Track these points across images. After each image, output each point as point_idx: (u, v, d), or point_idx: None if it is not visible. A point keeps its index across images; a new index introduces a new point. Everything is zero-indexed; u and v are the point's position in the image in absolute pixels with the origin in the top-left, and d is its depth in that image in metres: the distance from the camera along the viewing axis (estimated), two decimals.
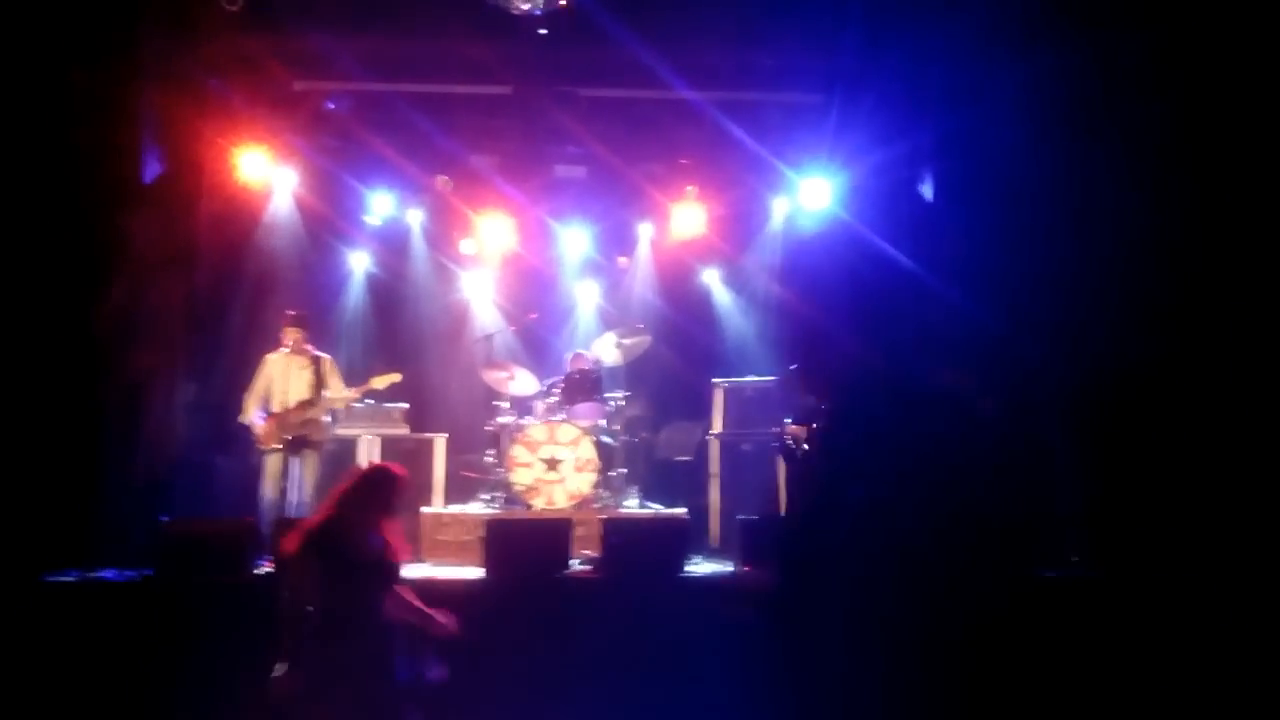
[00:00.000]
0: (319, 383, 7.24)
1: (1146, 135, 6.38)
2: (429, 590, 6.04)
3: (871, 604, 5.66)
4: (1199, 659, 5.47)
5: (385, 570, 4.12)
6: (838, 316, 8.31)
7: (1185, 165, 6.26)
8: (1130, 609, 5.78)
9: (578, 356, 8.32)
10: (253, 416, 7.19)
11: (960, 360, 7.86)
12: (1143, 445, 6.41)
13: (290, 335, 7.28)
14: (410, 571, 6.57)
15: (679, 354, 9.31)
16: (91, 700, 5.27)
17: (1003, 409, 7.52)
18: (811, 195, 8.71)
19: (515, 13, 6.42)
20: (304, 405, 7.19)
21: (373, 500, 4.16)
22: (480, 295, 9.63)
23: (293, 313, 7.45)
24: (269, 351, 7.40)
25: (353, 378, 7.55)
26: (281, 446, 7.10)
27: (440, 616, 4.29)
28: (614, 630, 5.56)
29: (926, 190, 8.46)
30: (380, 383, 7.36)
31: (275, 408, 7.22)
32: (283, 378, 7.25)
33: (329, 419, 7.45)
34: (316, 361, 7.32)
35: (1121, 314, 6.53)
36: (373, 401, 7.86)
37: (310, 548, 3.98)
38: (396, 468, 4.37)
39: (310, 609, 3.87)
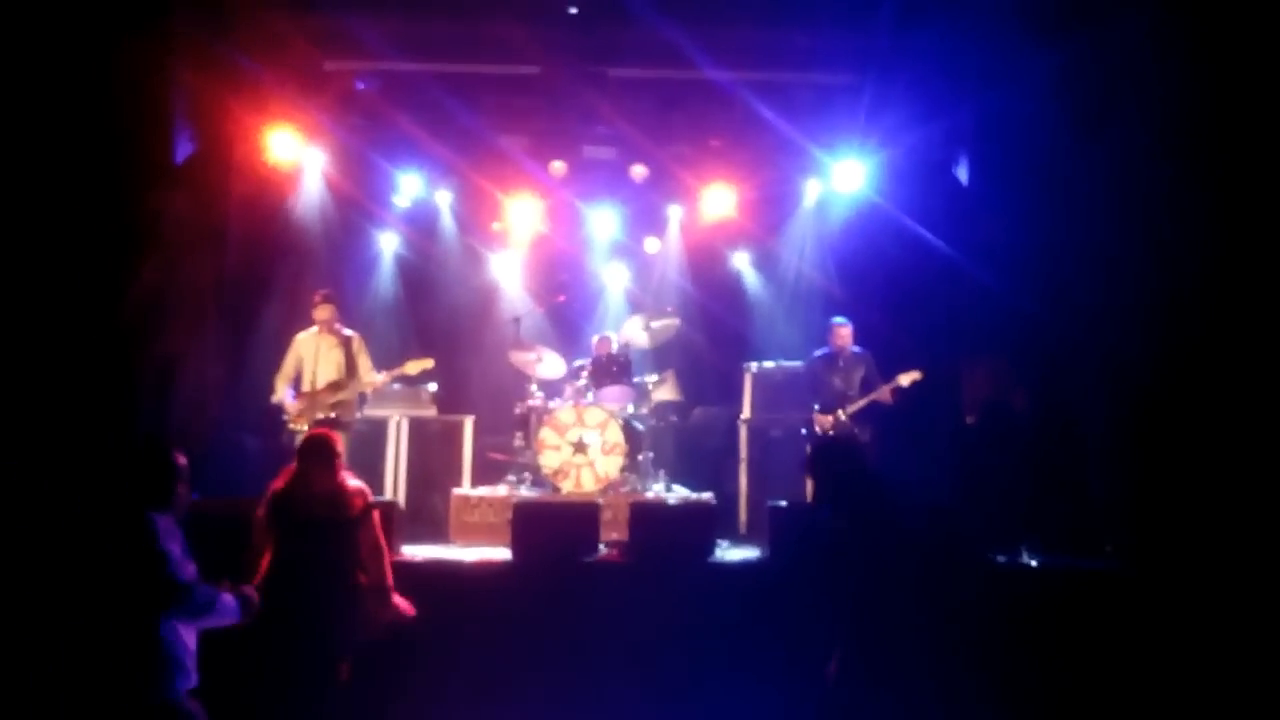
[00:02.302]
0: (349, 362, 7.25)
1: (1188, 116, 6.22)
2: (456, 574, 6.10)
3: (899, 592, 5.61)
4: (1231, 654, 5.38)
5: (339, 525, 4.52)
6: (872, 300, 8.23)
7: (1228, 147, 6.10)
8: (1163, 601, 5.69)
9: (604, 339, 8.28)
10: (284, 396, 7.21)
11: (994, 346, 7.77)
12: (1181, 434, 6.28)
13: (320, 313, 7.28)
14: (437, 553, 6.65)
15: (708, 338, 9.25)
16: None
17: (1036, 398, 7.43)
18: (844, 178, 8.61)
19: None
20: (334, 386, 7.21)
21: (315, 462, 4.60)
22: (508, 277, 9.60)
23: (323, 291, 7.45)
24: (298, 331, 7.41)
25: (381, 358, 7.55)
26: (312, 426, 7.11)
27: (398, 602, 4.72)
28: (640, 615, 5.54)
29: (962, 173, 8.34)
30: (413, 368, 7.37)
31: (305, 387, 7.23)
32: (312, 357, 7.26)
33: (359, 400, 7.46)
34: (346, 341, 7.32)
35: (1160, 300, 6.39)
36: (404, 385, 7.87)
37: (269, 510, 4.50)
38: (326, 431, 4.92)
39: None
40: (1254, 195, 6.01)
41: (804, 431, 7.67)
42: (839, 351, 7.55)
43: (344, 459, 4.77)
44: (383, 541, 4.73)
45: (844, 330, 7.55)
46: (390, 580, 4.73)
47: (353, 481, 4.71)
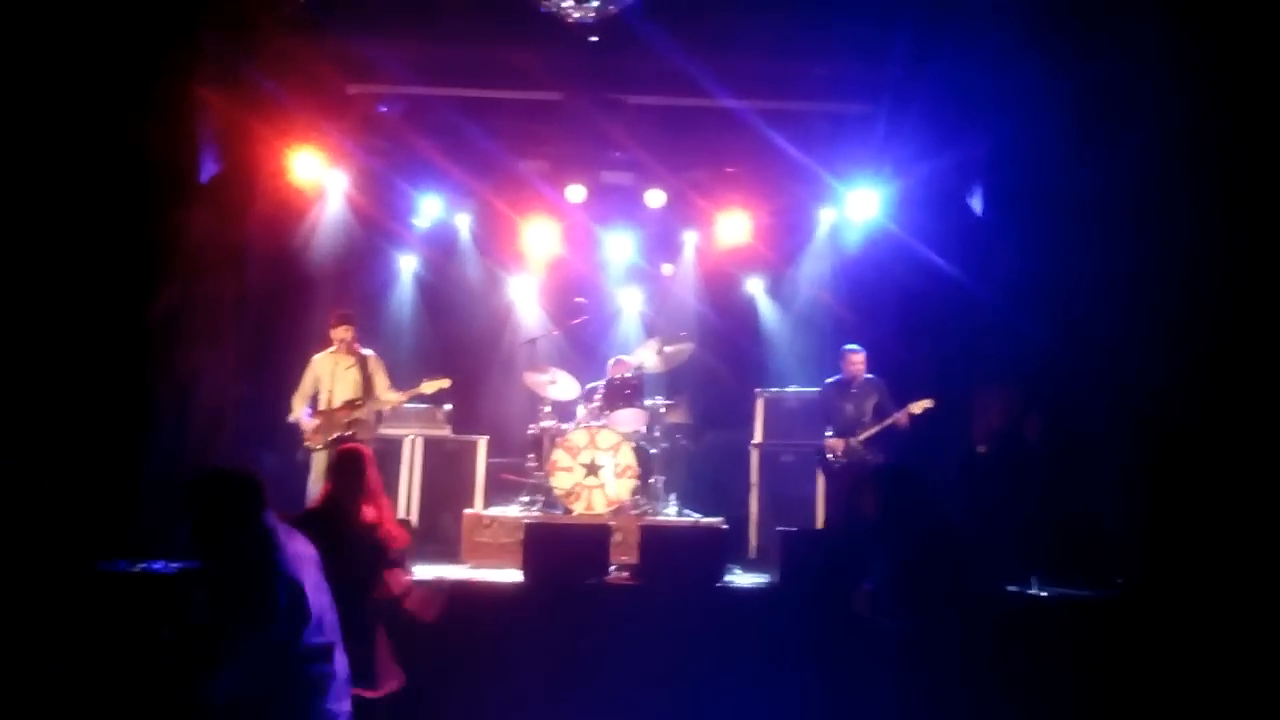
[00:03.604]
0: (366, 381, 7.32)
1: (1203, 143, 6.25)
2: (468, 593, 6.14)
3: (910, 617, 5.62)
4: (1241, 686, 5.36)
5: (374, 550, 4.43)
6: (885, 328, 8.26)
7: (1245, 175, 6.11)
8: (1173, 634, 5.66)
9: (619, 362, 8.34)
10: (301, 415, 7.29)
11: (1007, 375, 7.78)
12: (1194, 465, 6.27)
13: (339, 333, 7.36)
14: (450, 573, 6.69)
15: (722, 362, 9.29)
16: (137, 687, 5.36)
17: (1049, 427, 7.42)
18: (859, 206, 8.67)
19: (569, 21, 6.44)
20: (351, 404, 7.28)
21: (349, 481, 4.51)
22: (525, 299, 9.69)
23: (342, 311, 7.54)
24: (317, 351, 7.49)
25: (398, 378, 7.63)
26: (328, 445, 7.18)
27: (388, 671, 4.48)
28: (650, 638, 5.56)
29: (976, 202, 8.38)
30: (430, 388, 7.43)
31: (322, 406, 7.31)
32: (330, 377, 7.34)
33: (375, 419, 7.53)
34: (363, 360, 7.40)
35: (1175, 329, 6.39)
36: (420, 403, 7.94)
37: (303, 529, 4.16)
38: (359, 446, 4.78)
39: None
40: (1273, 223, 6.02)
41: (817, 457, 7.69)
42: (851, 378, 7.58)
43: (377, 478, 4.66)
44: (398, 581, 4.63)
45: (856, 357, 7.58)
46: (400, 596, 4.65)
47: (387, 501, 4.67)
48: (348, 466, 4.59)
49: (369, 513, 4.52)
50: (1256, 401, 6.04)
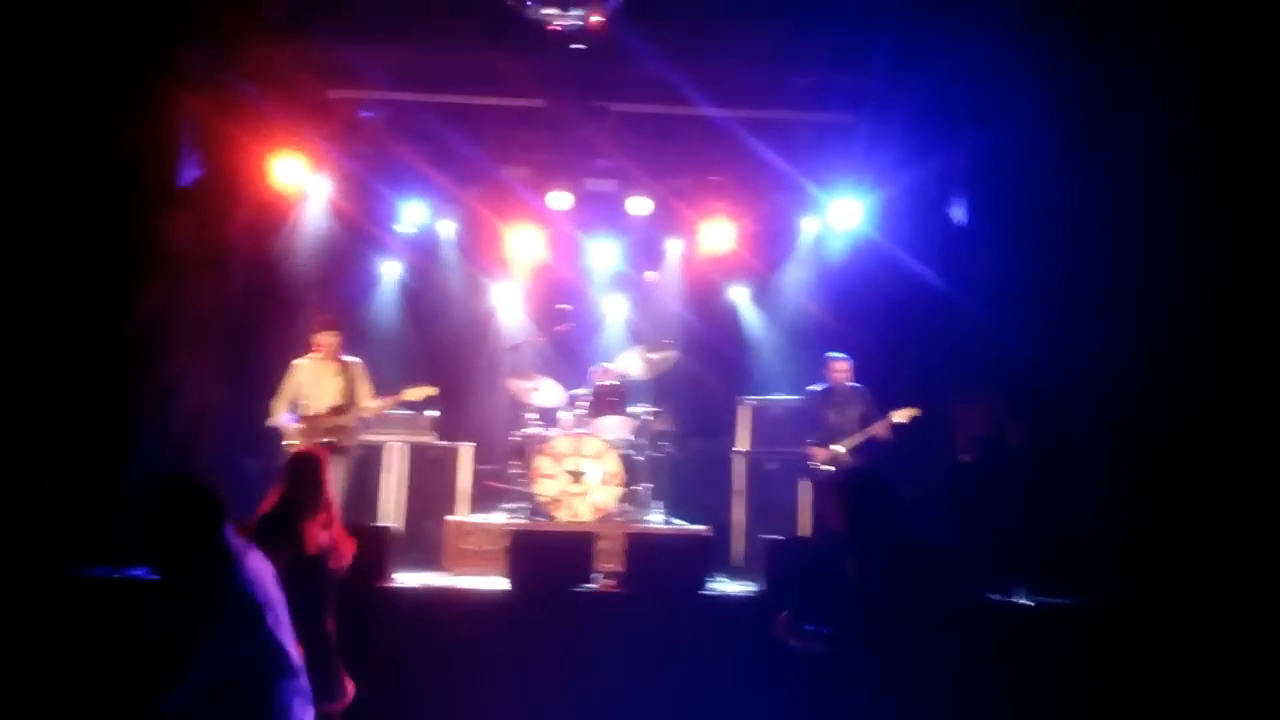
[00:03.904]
0: (349, 388, 7.28)
1: (1183, 154, 6.31)
2: (452, 601, 6.11)
3: (893, 627, 5.63)
4: (1223, 694, 5.40)
5: (328, 560, 4.32)
6: (868, 337, 8.30)
7: (1227, 181, 6.18)
8: (1155, 642, 5.71)
9: (603, 370, 8.33)
10: (281, 419, 7.24)
11: (990, 384, 7.83)
12: (1176, 474, 6.32)
13: (323, 339, 7.31)
14: (432, 580, 6.66)
15: (706, 370, 9.31)
16: (116, 694, 5.31)
17: (1032, 436, 7.47)
18: (842, 215, 8.71)
19: (552, 28, 6.45)
20: (335, 410, 7.23)
21: (303, 487, 4.37)
22: (509, 306, 9.67)
23: (327, 317, 7.50)
24: (300, 355, 7.45)
25: (381, 384, 7.59)
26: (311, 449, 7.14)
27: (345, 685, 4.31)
28: (636, 646, 5.56)
29: (957, 211, 8.44)
30: (414, 394, 7.38)
31: (304, 412, 7.26)
32: (311, 383, 7.29)
33: (358, 425, 7.49)
34: (346, 367, 7.36)
35: (1158, 337, 6.45)
36: (401, 408, 7.90)
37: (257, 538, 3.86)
38: (314, 450, 4.68)
39: None
40: (1254, 230, 6.08)
41: (803, 466, 7.72)
42: (836, 386, 7.59)
43: (331, 485, 4.54)
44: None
45: (841, 365, 7.59)
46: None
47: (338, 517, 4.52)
48: (302, 472, 4.46)
49: (321, 520, 4.38)
50: (1239, 410, 6.10)
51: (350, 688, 4.30)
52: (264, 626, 3.10)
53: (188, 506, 3.14)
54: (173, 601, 3.10)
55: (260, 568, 3.23)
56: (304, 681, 3.25)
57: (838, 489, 4.23)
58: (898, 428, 7.33)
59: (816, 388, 7.72)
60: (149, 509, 3.15)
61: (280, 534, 4.17)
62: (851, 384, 7.60)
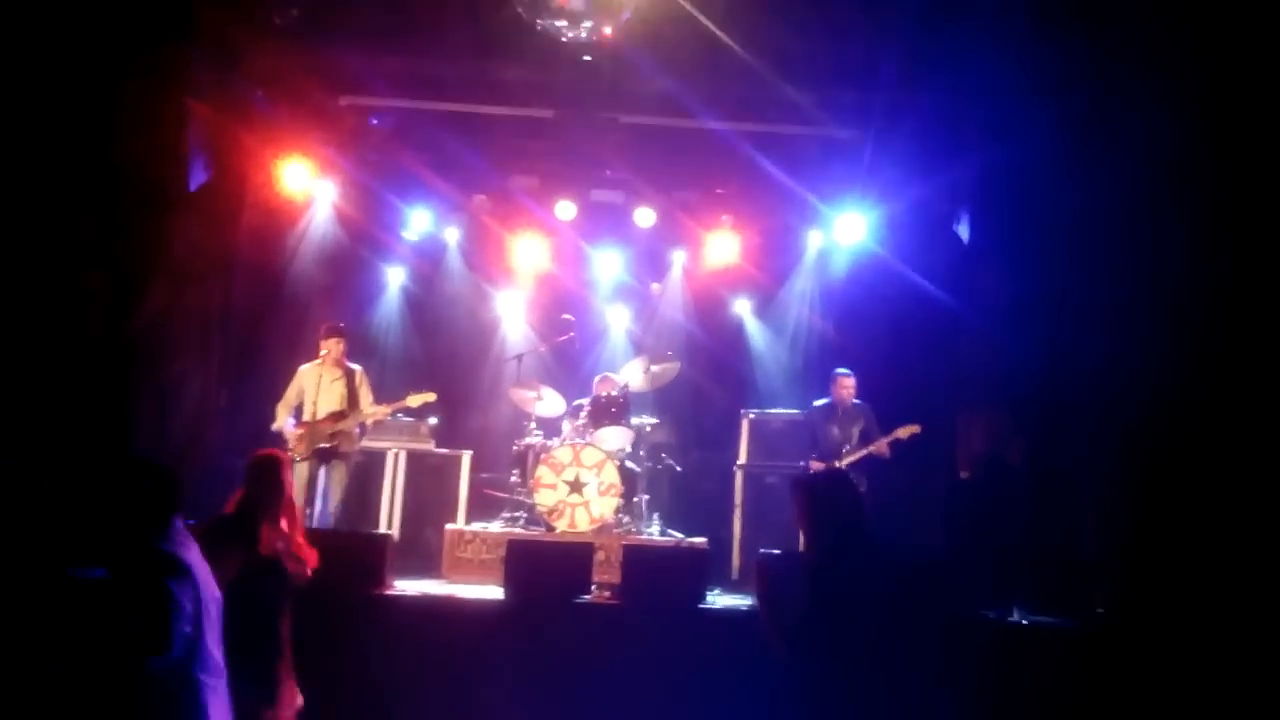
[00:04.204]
0: (351, 395, 7.31)
1: (1189, 170, 6.31)
2: (449, 610, 6.11)
3: (892, 642, 5.61)
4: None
5: (282, 564, 4.21)
6: (871, 352, 8.30)
7: (1230, 201, 6.17)
8: (1152, 664, 5.68)
9: (604, 380, 8.33)
10: (284, 425, 7.25)
11: (992, 400, 7.82)
12: (1178, 494, 6.29)
13: (329, 345, 7.33)
14: (429, 588, 6.65)
15: (708, 383, 9.30)
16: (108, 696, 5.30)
17: (1033, 453, 7.45)
18: (847, 230, 8.72)
19: (563, 39, 6.47)
20: (335, 416, 7.25)
21: (263, 489, 4.29)
22: (512, 315, 9.69)
23: (332, 324, 7.52)
24: (302, 361, 7.47)
25: (383, 391, 7.60)
26: (311, 456, 7.15)
27: (293, 693, 4.18)
28: (631, 658, 5.54)
29: (963, 227, 8.45)
30: (415, 401, 7.41)
31: (306, 417, 7.27)
32: (315, 388, 7.31)
33: (358, 431, 7.51)
34: (350, 374, 7.38)
35: (1160, 353, 6.43)
36: (404, 416, 7.92)
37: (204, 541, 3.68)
38: (275, 452, 4.55)
39: None
40: (1260, 247, 6.06)
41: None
42: (840, 402, 7.59)
43: (291, 487, 4.47)
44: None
45: (847, 381, 7.59)
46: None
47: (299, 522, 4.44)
48: (263, 474, 4.36)
49: (279, 523, 4.32)
50: (1243, 426, 6.08)
51: (297, 698, 4.17)
52: (192, 625, 2.99)
53: (144, 488, 3.08)
54: (107, 597, 3.00)
55: (198, 565, 3.12)
56: (223, 684, 3.12)
57: (797, 489, 4.07)
58: (897, 445, 7.33)
59: (820, 403, 7.71)
60: (106, 487, 3.09)
61: (233, 535, 4.09)
62: (855, 401, 7.60)
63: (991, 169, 7.79)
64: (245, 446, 7.79)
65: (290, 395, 7.34)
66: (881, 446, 7.32)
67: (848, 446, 7.44)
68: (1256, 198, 6.03)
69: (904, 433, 7.30)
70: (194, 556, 3.12)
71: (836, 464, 7.40)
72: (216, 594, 3.14)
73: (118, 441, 6.70)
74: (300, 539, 4.46)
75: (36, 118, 6.18)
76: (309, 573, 4.44)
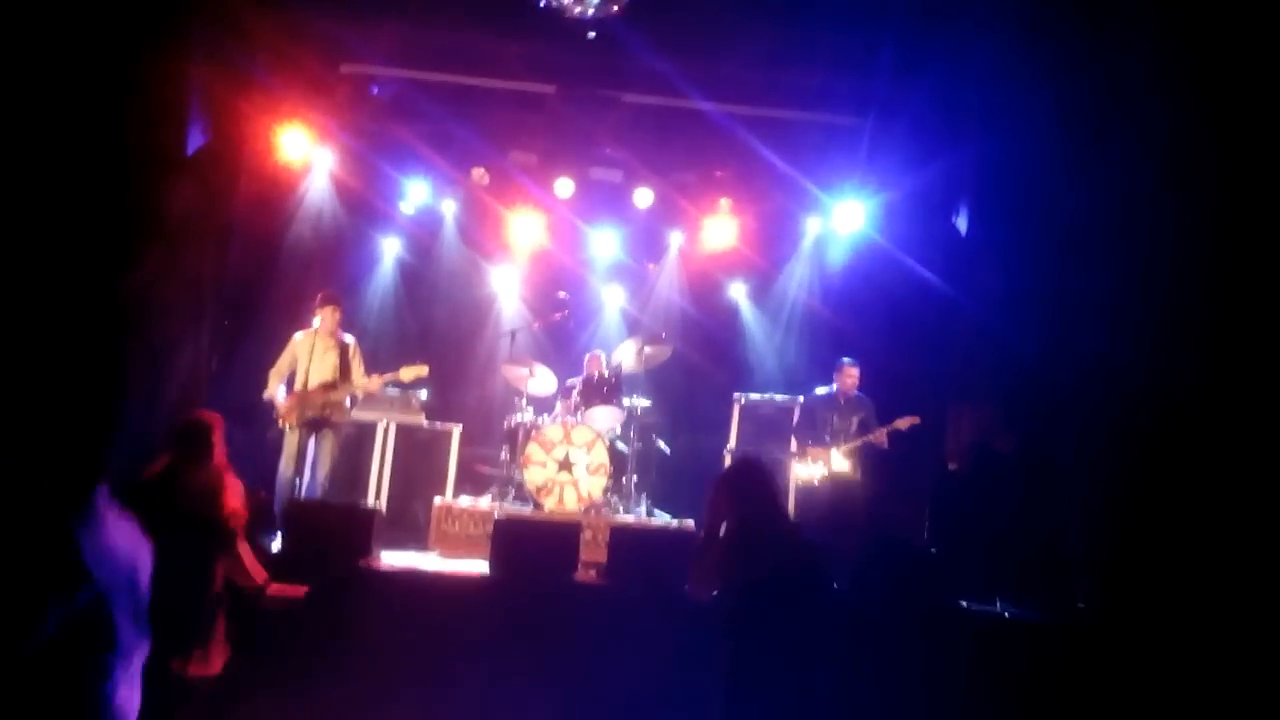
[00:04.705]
0: (344, 366, 7.29)
1: (1188, 160, 6.30)
2: (434, 584, 6.13)
3: (880, 629, 5.68)
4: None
5: (212, 527, 4.14)
6: (867, 340, 8.31)
7: (1231, 190, 6.16)
8: (1131, 663, 5.72)
9: (594, 358, 8.34)
10: (275, 393, 7.24)
11: (987, 390, 7.84)
12: (1168, 490, 6.32)
13: (324, 314, 7.30)
14: (415, 561, 6.68)
15: (700, 365, 9.31)
16: None
17: (1024, 445, 7.48)
18: (844, 217, 8.71)
19: (568, 16, 6.43)
20: (326, 386, 7.23)
21: (191, 451, 4.22)
22: (507, 290, 9.67)
23: (328, 293, 7.49)
24: (296, 328, 7.44)
25: (375, 362, 7.59)
26: (301, 425, 7.15)
27: (277, 589, 4.32)
28: (616, 638, 5.56)
29: (960, 215, 8.45)
30: (408, 374, 7.39)
31: (298, 387, 7.26)
32: (308, 357, 7.29)
33: (349, 402, 7.50)
34: (344, 345, 7.36)
35: (1160, 345, 6.45)
36: (395, 389, 7.90)
37: (134, 501, 3.82)
38: (207, 414, 4.46)
39: None
40: (1257, 241, 6.07)
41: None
42: (843, 391, 7.63)
43: (224, 448, 4.39)
44: (249, 564, 4.33)
45: (852, 371, 7.63)
46: (262, 574, 4.42)
47: (233, 479, 4.34)
48: (191, 435, 4.26)
49: (209, 486, 4.22)
50: (1235, 432, 6.10)
51: (219, 660, 4.17)
52: (94, 598, 2.92)
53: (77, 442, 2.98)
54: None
55: (117, 534, 3.03)
56: (134, 662, 3.07)
57: (720, 480, 4.06)
58: (894, 436, 7.37)
59: (823, 390, 7.75)
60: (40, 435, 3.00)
61: (156, 495, 4.03)
62: (856, 392, 7.64)
63: (990, 158, 7.78)
64: (237, 412, 7.84)
65: (283, 363, 7.32)
66: (880, 437, 7.38)
67: (847, 434, 7.49)
68: (1256, 192, 6.03)
69: (903, 424, 7.35)
70: (112, 525, 3.00)
71: (833, 450, 7.45)
72: (138, 564, 3.03)
73: (109, 408, 6.66)
74: (234, 499, 4.34)
75: (33, 81, 6.13)
76: (236, 530, 4.32)
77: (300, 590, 4.61)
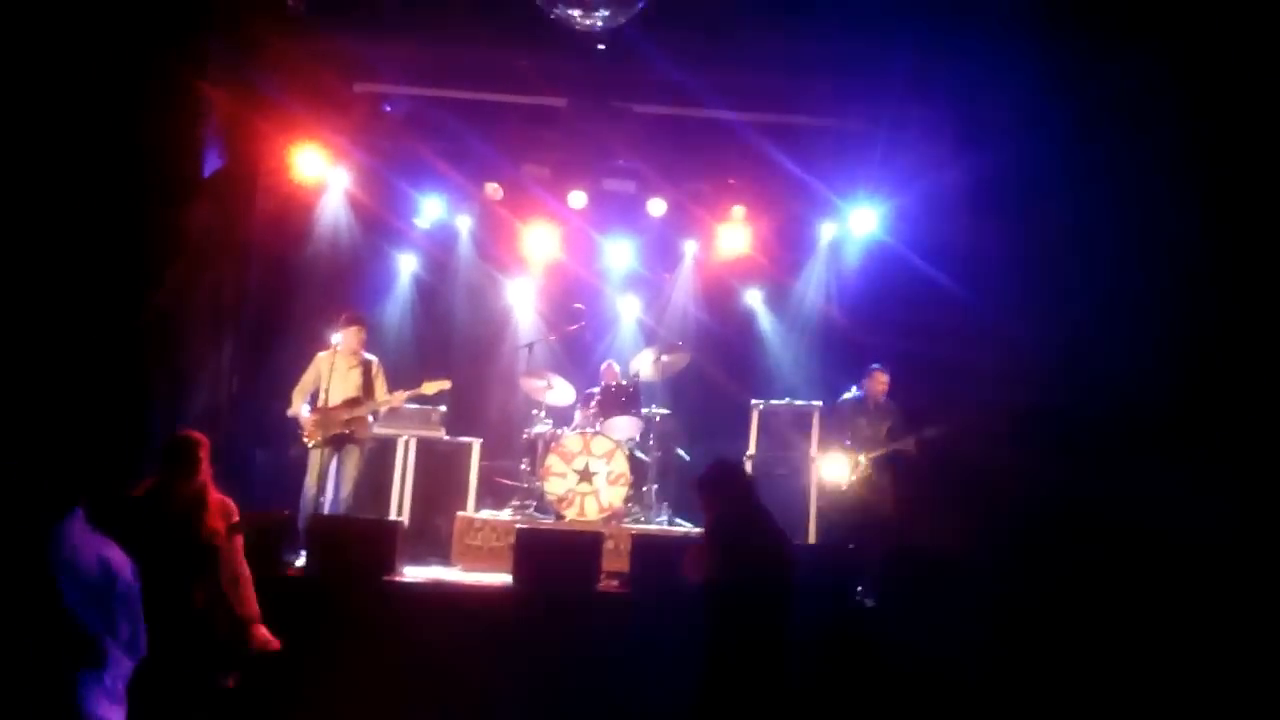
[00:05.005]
0: (366, 384, 7.35)
1: (1202, 167, 6.30)
2: (459, 597, 6.15)
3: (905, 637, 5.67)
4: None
5: (190, 545, 4.17)
6: (883, 344, 8.29)
7: (1240, 198, 6.17)
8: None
9: (609, 368, 8.35)
10: (299, 410, 7.29)
11: (1007, 393, 7.80)
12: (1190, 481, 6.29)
13: (349, 334, 7.36)
14: (438, 574, 6.69)
15: (718, 373, 9.30)
16: None
17: (1049, 443, 7.44)
18: (859, 221, 8.70)
19: (577, 29, 6.47)
20: (350, 403, 7.28)
21: (177, 469, 4.24)
22: (523, 303, 9.71)
23: (353, 313, 7.56)
24: (316, 347, 7.50)
25: (395, 378, 7.63)
26: (325, 443, 7.20)
27: (262, 633, 4.32)
28: (640, 647, 5.56)
29: (975, 220, 8.41)
30: (431, 388, 7.44)
31: (320, 404, 7.31)
32: (331, 375, 7.34)
33: (372, 418, 7.54)
34: (366, 364, 7.43)
35: (1178, 348, 6.44)
36: (415, 405, 7.94)
37: (120, 517, 3.74)
38: (193, 433, 4.46)
39: None
40: (1262, 242, 6.06)
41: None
42: (873, 397, 7.63)
43: (209, 468, 4.41)
44: (245, 569, 4.43)
45: (882, 377, 7.64)
46: (254, 611, 4.47)
47: (217, 497, 4.38)
48: (178, 453, 4.28)
49: (191, 504, 4.25)
50: (1249, 416, 6.09)
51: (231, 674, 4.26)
52: (66, 614, 2.91)
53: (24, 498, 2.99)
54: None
55: (93, 550, 3.03)
56: (119, 674, 3.05)
57: (698, 486, 4.28)
58: (924, 445, 7.35)
59: (851, 395, 7.74)
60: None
61: (142, 512, 4.09)
62: (886, 399, 7.64)
63: (1004, 163, 7.75)
64: (259, 432, 7.91)
65: (307, 381, 7.38)
66: (910, 444, 7.36)
67: (875, 441, 7.48)
68: (1262, 191, 6.03)
69: (932, 433, 7.32)
70: (88, 545, 3.02)
71: (862, 456, 7.44)
72: (115, 581, 3.04)
73: (134, 427, 6.73)
74: (217, 525, 4.36)
75: (55, 105, 6.22)
76: (212, 549, 4.35)
77: (277, 644, 4.51)
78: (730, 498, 4.19)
